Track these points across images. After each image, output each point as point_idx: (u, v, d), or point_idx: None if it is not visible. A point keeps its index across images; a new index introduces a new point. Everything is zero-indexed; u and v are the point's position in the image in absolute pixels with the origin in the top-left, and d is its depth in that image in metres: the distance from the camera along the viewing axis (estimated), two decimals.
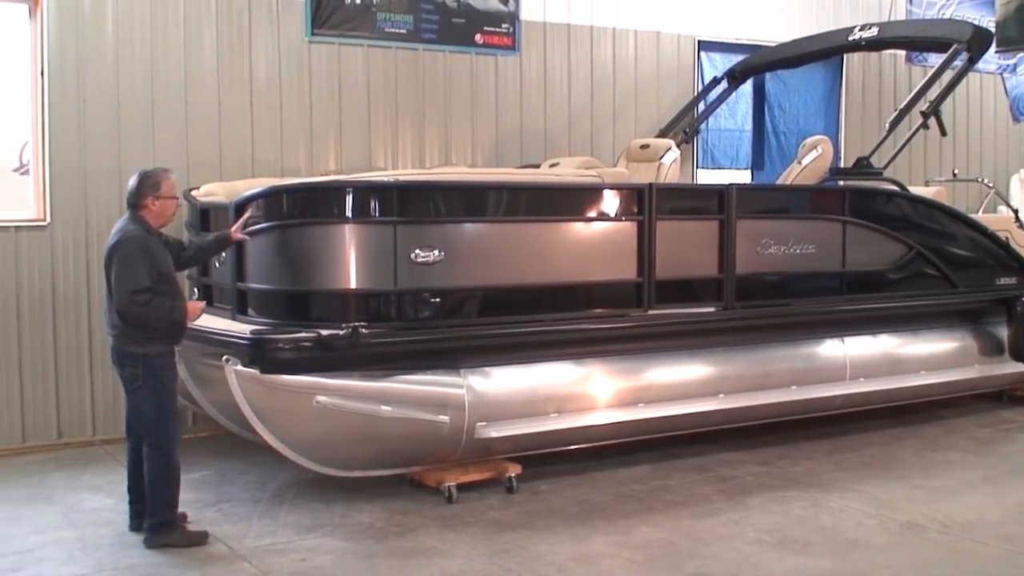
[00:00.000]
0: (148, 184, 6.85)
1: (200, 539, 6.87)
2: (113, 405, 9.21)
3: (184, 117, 9.78)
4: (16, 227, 9.18)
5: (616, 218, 8.46)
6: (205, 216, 8.51)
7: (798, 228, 9.42)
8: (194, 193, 8.93)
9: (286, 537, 6.99)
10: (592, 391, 8.34)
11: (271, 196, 7.74)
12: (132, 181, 6.91)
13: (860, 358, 9.76)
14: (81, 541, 6.93)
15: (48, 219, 9.29)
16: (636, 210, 8.50)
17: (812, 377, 9.47)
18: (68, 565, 6.50)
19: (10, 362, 9.19)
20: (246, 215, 7.56)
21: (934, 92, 10.96)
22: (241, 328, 7.56)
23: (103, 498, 7.82)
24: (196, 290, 8.72)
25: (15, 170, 9.47)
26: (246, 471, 8.60)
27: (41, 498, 7.93)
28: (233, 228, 7.49)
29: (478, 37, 11.29)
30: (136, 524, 7.06)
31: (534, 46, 11.66)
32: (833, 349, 9.67)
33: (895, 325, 10.12)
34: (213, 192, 8.80)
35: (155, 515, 6.81)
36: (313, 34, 10.39)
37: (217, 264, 8.26)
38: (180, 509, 7.02)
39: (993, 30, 12.42)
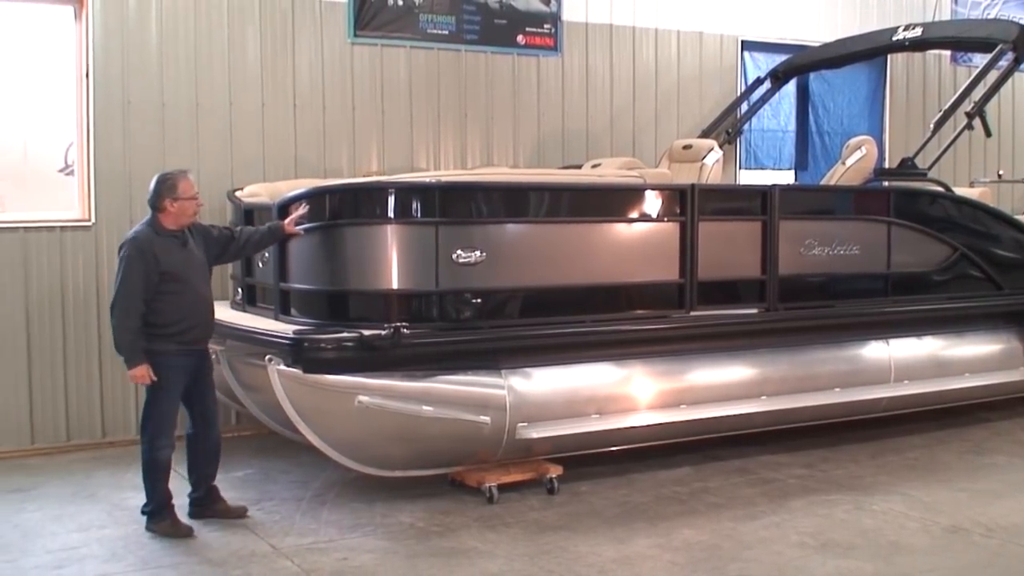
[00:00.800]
0: (165, 186, 7.03)
1: (183, 532, 7.04)
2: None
3: (228, 119, 9.85)
4: (61, 227, 9.27)
5: (658, 219, 8.44)
6: (249, 217, 8.55)
7: (842, 229, 9.37)
8: (238, 194, 8.99)
9: (328, 536, 7.01)
10: (633, 392, 8.31)
11: (314, 197, 7.76)
12: (151, 184, 7.10)
13: (905, 360, 9.68)
14: (124, 539, 6.98)
15: (93, 219, 9.38)
16: (678, 211, 8.47)
17: (856, 379, 9.41)
18: (111, 563, 6.54)
19: (55, 361, 9.28)
20: (300, 210, 7.60)
21: (979, 92, 10.85)
22: (284, 328, 7.60)
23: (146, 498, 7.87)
24: (240, 290, 8.76)
25: (60, 171, 9.57)
26: (288, 470, 8.64)
27: (85, 496, 8.00)
28: (287, 221, 7.56)
29: (520, 38, 11.29)
30: (194, 511, 7.32)
31: (576, 47, 11.64)
32: (877, 351, 9.60)
33: (940, 327, 10.03)
34: (256, 193, 8.85)
35: (146, 503, 7.16)
36: (356, 36, 10.43)
37: (260, 264, 8.31)
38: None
39: None
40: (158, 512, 7.10)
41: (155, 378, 6.91)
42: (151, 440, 7.03)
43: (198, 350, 7.18)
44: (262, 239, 7.67)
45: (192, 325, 7.05)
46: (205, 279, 7.27)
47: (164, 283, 6.91)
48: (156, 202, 7.02)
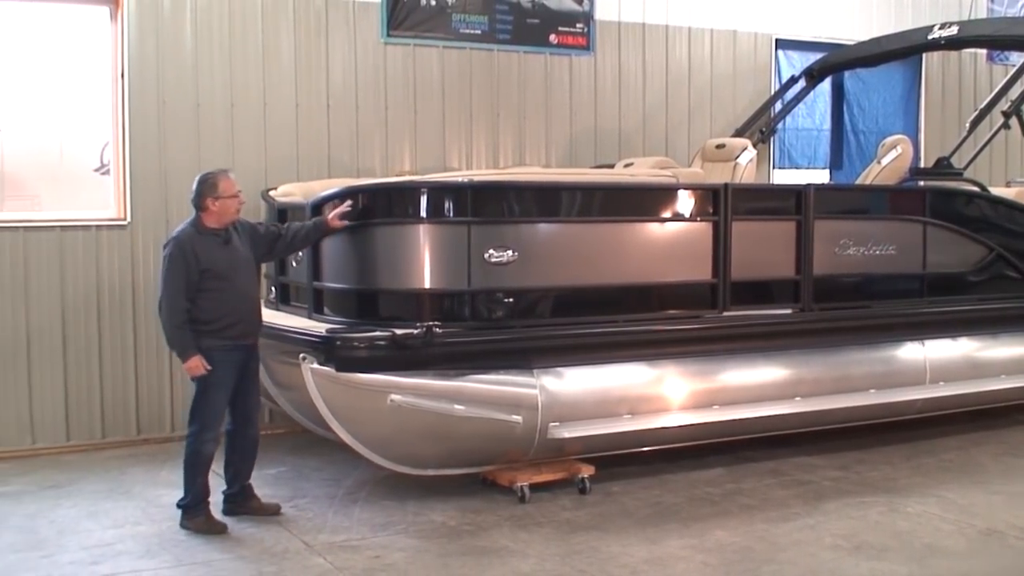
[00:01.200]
0: (207, 186, 7.10)
1: (217, 528, 7.10)
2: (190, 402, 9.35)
3: (262, 118, 9.90)
4: (97, 226, 9.35)
5: (691, 218, 8.42)
6: (283, 216, 8.58)
7: (877, 229, 9.32)
8: (272, 193, 9.03)
9: (360, 534, 7.03)
10: (666, 393, 8.29)
11: (347, 196, 7.78)
12: (193, 184, 7.17)
13: (940, 361, 9.62)
14: (159, 536, 7.02)
15: (128, 218, 9.45)
16: (711, 210, 8.45)
17: (891, 380, 9.35)
18: (146, 559, 6.58)
19: (91, 360, 9.36)
20: (345, 205, 7.60)
21: (1016, 91, 10.78)
22: (317, 327, 7.64)
23: (181, 494, 7.86)
24: (273, 289, 8.81)
25: (96, 170, 9.64)
26: (321, 468, 8.67)
27: (120, 493, 8.06)
28: (330, 215, 7.58)
29: (552, 37, 11.29)
30: (228, 508, 7.37)
31: (608, 46, 11.63)
32: (913, 352, 9.54)
33: (976, 328, 9.96)
34: (290, 192, 8.89)
35: (183, 496, 7.22)
36: (389, 35, 10.45)
37: (294, 263, 8.34)
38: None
39: None
40: (194, 507, 7.15)
41: (209, 368, 6.98)
42: (196, 433, 7.11)
43: (245, 345, 7.23)
44: (308, 234, 7.68)
45: (235, 321, 7.10)
46: (250, 276, 7.32)
47: (205, 280, 6.99)
48: (198, 201, 7.10)
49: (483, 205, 7.66)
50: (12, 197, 9.36)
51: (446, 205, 7.63)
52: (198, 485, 7.16)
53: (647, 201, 8.39)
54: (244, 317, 7.18)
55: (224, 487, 7.44)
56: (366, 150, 10.38)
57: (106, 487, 8.21)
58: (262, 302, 8.68)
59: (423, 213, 7.59)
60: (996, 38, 11.78)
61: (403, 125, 10.56)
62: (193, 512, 7.15)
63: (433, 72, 10.70)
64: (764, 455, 8.98)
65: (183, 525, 7.15)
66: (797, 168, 13.11)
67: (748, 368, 8.73)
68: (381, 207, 7.75)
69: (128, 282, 9.43)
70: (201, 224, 7.09)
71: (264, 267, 8.85)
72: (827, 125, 13.41)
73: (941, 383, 9.59)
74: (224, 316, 7.05)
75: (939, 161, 10.51)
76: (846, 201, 9.68)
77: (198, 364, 6.97)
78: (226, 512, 7.36)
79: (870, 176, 10.31)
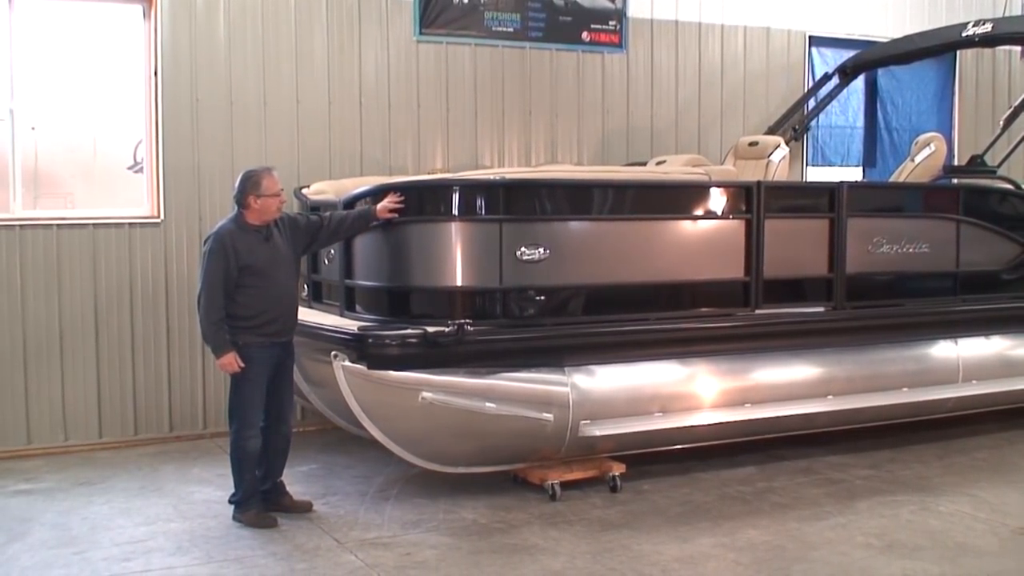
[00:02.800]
0: (250, 183, 7.14)
1: (268, 522, 7.18)
2: (224, 399, 9.38)
3: (295, 116, 9.93)
4: (130, 224, 9.40)
5: (724, 216, 8.40)
6: (315, 213, 8.59)
7: (911, 227, 9.28)
8: (304, 191, 9.06)
9: (391, 531, 7.05)
10: (697, 391, 8.28)
11: (379, 194, 7.80)
12: (236, 181, 7.22)
13: (973, 360, 9.57)
14: (190, 533, 7.07)
15: (162, 216, 9.49)
16: (744, 208, 8.43)
17: (923, 379, 9.31)
18: (177, 556, 6.63)
19: (124, 357, 9.42)
20: (396, 197, 7.56)
21: None
22: (349, 324, 7.67)
23: (212, 491, 7.97)
24: (306, 286, 8.83)
25: (130, 168, 9.71)
26: (352, 465, 8.70)
27: (152, 490, 8.10)
28: (380, 205, 7.55)
29: (585, 35, 11.28)
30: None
31: (641, 43, 11.61)
32: (945, 351, 9.50)
33: (1009, 326, 9.89)
34: (323, 190, 8.91)
35: (233, 492, 7.35)
36: (421, 33, 10.46)
37: (326, 261, 8.37)
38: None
39: None
40: (245, 502, 7.25)
41: (243, 365, 7.02)
42: (238, 431, 7.18)
43: (282, 343, 7.27)
44: (353, 224, 7.66)
45: (273, 318, 7.14)
46: (289, 273, 7.34)
47: (244, 277, 7.03)
48: (241, 198, 7.13)
49: (515, 203, 7.66)
50: (46, 195, 9.44)
51: (478, 203, 7.63)
52: (247, 481, 7.24)
53: (679, 199, 8.38)
54: (282, 314, 7.21)
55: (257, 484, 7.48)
56: (398, 148, 10.40)
57: (138, 484, 8.26)
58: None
59: (455, 211, 7.59)
60: None
61: (435, 123, 10.58)
62: (245, 507, 7.24)
63: (465, 70, 10.71)
64: (796, 453, 8.96)
65: (235, 518, 7.25)
66: (830, 166, 13.05)
67: (780, 366, 8.71)
68: (413, 205, 7.75)
69: (161, 279, 9.47)
70: (242, 220, 7.13)
71: None
72: (860, 123, 13.34)
73: (974, 381, 9.55)
74: (262, 312, 7.09)
75: (973, 159, 10.44)
76: (879, 199, 9.63)
77: (232, 361, 7.01)
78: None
79: (903, 174, 10.27)
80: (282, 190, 7.28)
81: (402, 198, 7.55)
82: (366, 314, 7.89)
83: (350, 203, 7.91)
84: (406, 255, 7.70)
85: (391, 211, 7.53)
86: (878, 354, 9.18)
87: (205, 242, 7.18)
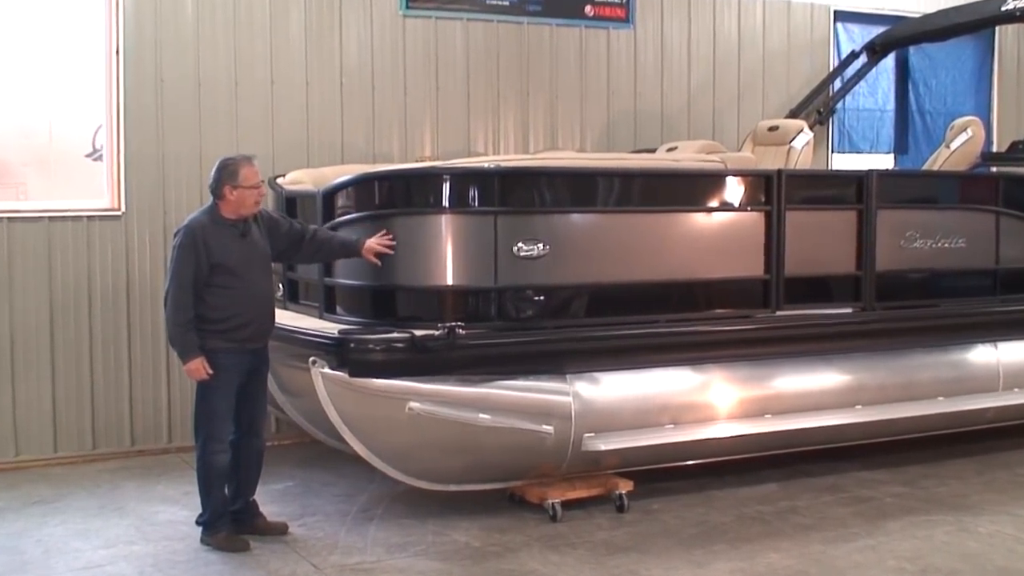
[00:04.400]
0: (226, 172, 7.08)
1: (239, 546, 7.12)
2: (191, 410, 9.34)
3: (269, 99, 9.90)
4: (88, 217, 9.35)
5: (741, 208, 8.39)
6: (291, 206, 8.58)
7: (946, 219, 9.28)
8: (279, 181, 9.02)
9: (375, 556, 7.03)
10: (712, 400, 8.27)
11: (362, 184, 7.79)
12: (212, 169, 7.17)
13: (1015, 366, 9.57)
14: (154, 557, 7.04)
15: (123, 208, 9.45)
16: (763, 199, 8.43)
17: (961, 387, 9.31)
18: None
19: (81, 363, 9.36)
20: (387, 239, 7.48)
21: None
22: (329, 327, 7.64)
23: (178, 510, 7.94)
24: (281, 286, 8.79)
25: (88, 156, 9.65)
26: (332, 483, 8.67)
27: (112, 509, 8.07)
28: (371, 241, 7.45)
29: (588, 8, 11.26)
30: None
31: (650, 18, 11.60)
32: (985, 356, 9.50)
33: None
34: (300, 180, 8.88)
35: (201, 512, 7.27)
36: (408, 7, 10.44)
37: None
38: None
39: None
40: (214, 523, 7.18)
41: (211, 371, 6.97)
42: (205, 445, 7.13)
43: (254, 349, 7.23)
44: (337, 251, 7.66)
45: (246, 321, 7.09)
46: (265, 273, 7.33)
47: (216, 275, 6.98)
48: (216, 188, 7.08)
49: (511, 193, 7.65)
50: None
51: (471, 193, 7.61)
52: (215, 499, 7.18)
53: (692, 189, 8.37)
54: (256, 318, 7.17)
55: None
56: (383, 133, 10.38)
57: (97, 503, 8.23)
58: None
59: (445, 202, 7.58)
60: None
61: (424, 106, 10.56)
62: (214, 528, 7.18)
63: (457, 47, 10.69)
64: (821, 469, 8.96)
65: (203, 541, 7.18)
66: (858, 153, 13.08)
67: (804, 373, 8.71)
68: (400, 196, 7.75)
69: (122, 278, 9.43)
70: (217, 213, 7.09)
71: None
72: (891, 105, 13.37)
73: (1016, 390, 9.54)
74: (234, 316, 7.05)
75: (1014, 145, 10.45)
76: (912, 189, 9.64)
77: (199, 367, 6.96)
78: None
79: (938, 161, 10.30)
80: (262, 182, 7.25)
81: (393, 240, 7.49)
82: (347, 316, 7.87)
83: (330, 194, 7.88)
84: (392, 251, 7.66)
85: (379, 254, 7.46)
86: (911, 360, 9.18)
87: (175, 235, 7.13)
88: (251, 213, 7.17)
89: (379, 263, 7.49)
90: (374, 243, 7.47)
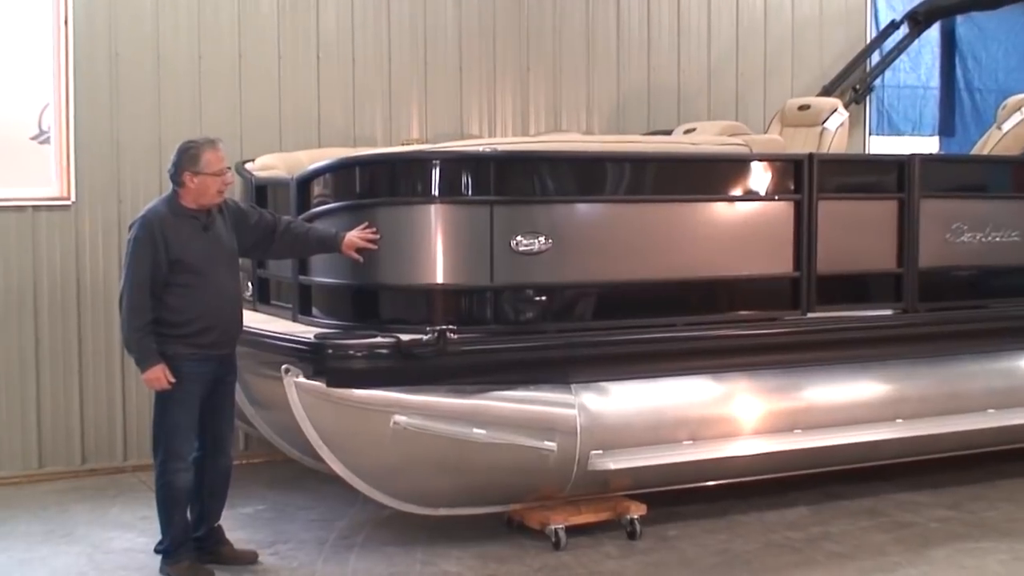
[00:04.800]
0: (186, 156, 7.04)
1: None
2: (149, 424, 9.34)
3: (237, 75, 9.93)
4: (34, 207, 9.36)
5: (768, 197, 8.41)
6: (261, 195, 8.58)
7: (998, 210, 9.31)
8: (249, 167, 9.03)
9: None
10: (735, 414, 8.28)
11: (341, 170, 7.79)
12: (173, 154, 7.12)
13: None
14: None
15: (73, 197, 9.47)
16: (793, 187, 8.44)
17: (1013, 398, 9.32)
18: None
19: (26, 371, 9.37)
20: (370, 232, 7.47)
21: None
22: (304, 331, 7.63)
23: (135, 537, 7.94)
24: (250, 284, 8.79)
25: (33, 138, 9.63)
26: (308, 506, 8.68)
27: (60, 536, 8.07)
28: (351, 235, 7.44)
29: None
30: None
31: None
32: None
33: None
34: (271, 165, 8.90)
35: (160, 539, 7.21)
36: None
37: None
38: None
39: None
40: (175, 551, 7.13)
41: (173, 380, 6.95)
42: (164, 463, 7.07)
43: (220, 356, 7.20)
44: (309, 246, 7.65)
45: (210, 326, 7.05)
46: (231, 271, 7.29)
47: (176, 273, 6.93)
48: (175, 175, 7.04)
49: (509, 181, 7.67)
50: None
51: (463, 181, 7.61)
52: (176, 525, 7.14)
53: (713, 176, 8.39)
54: (221, 322, 7.13)
55: (190, 529, 7.41)
56: (364, 113, 10.41)
57: (43, 528, 8.23)
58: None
59: (435, 191, 7.58)
60: None
61: (410, 82, 10.59)
62: (174, 557, 7.13)
63: (448, 17, 10.72)
64: (857, 491, 8.98)
65: (163, 571, 7.15)
66: (899, 135, 13.15)
67: (838, 383, 8.73)
68: (383, 184, 7.76)
69: (72, 275, 9.45)
70: (177, 203, 7.04)
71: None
72: (935, 82, 13.43)
73: None
74: (197, 319, 7.01)
75: None
76: (959, 176, 9.68)
77: (160, 376, 6.92)
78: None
79: (988, 144, 10.30)
80: (228, 169, 7.24)
81: (376, 234, 7.49)
82: (325, 319, 7.88)
83: (305, 181, 7.88)
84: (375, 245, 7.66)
85: (360, 249, 7.45)
86: (958, 368, 9.21)
87: (130, 228, 7.08)
88: (215, 203, 7.13)
89: (360, 259, 7.48)
90: (355, 237, 7.45)
